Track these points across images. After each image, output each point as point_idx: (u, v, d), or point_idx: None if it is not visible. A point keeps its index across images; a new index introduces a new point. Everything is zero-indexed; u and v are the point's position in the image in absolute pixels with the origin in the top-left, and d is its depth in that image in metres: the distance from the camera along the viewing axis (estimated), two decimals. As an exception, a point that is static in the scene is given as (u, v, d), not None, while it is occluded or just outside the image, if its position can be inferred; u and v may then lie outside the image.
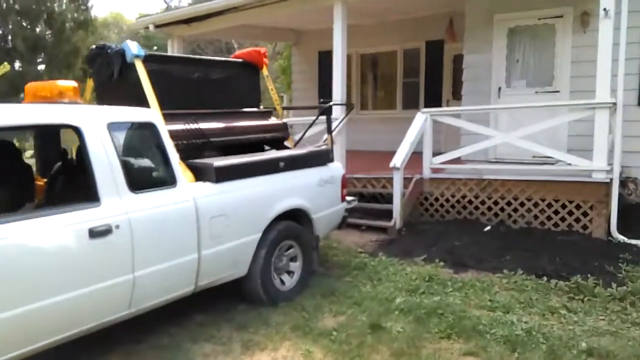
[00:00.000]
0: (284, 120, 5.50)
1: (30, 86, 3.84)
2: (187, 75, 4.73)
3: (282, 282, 4.68)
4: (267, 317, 4.21)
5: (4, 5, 29.03)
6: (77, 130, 3.22)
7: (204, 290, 4.05)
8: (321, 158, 5.13)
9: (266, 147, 5.54)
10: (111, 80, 4.27)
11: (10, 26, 28.78)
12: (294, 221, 4.72)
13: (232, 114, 5.00)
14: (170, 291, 3.69)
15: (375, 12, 9.89)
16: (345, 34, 8.06)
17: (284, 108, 5.64)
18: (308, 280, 4.93)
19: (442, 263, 5.60)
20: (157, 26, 9.71)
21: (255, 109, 5.35)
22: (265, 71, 5.42)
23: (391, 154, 6.99)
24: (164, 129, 3.75)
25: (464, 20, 8.55)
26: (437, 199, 7.34)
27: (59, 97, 3.70)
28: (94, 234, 3.12)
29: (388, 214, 6.99)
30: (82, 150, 3.25)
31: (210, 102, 4.91)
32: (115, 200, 3.30)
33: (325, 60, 11.93)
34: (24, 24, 29.43)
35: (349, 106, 6.66)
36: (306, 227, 4.90)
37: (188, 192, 3.75)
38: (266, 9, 8.48)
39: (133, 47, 4.15)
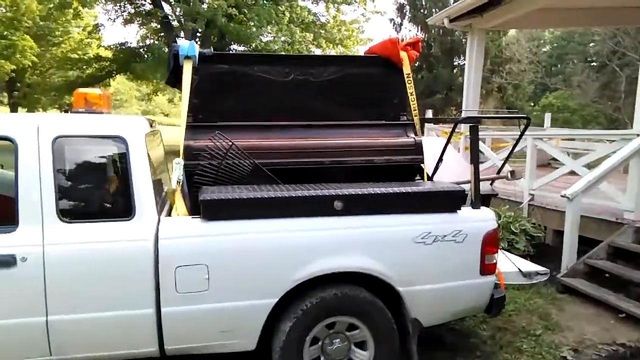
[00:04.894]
0: (418, 137, 3.77)
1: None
2: (276, 78, 3.73)
3: (334, 373, 3.25)
4: None
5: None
6: (13, 143, 2.87)
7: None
8: (439, 200, 3.28)
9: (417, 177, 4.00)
10: (174, 85, 3.76)
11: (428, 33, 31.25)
12: (367, 290, 3.20)
13: (328, 127, 3.72)
14: (116, 347, 2.96)
15: None
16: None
17: (422, 120, 3.89)
18: (386, 382, 3.29)
19: None
20: (451, 20, 8.45)
21: (380, 122, 3.86)
22: (406, 69, 3.82)
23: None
24: (138, 147, 3.00)
25: None
26: None
27: (85, 105, 3.41)
28: (-11, 263, 2.72)
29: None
30: (15, 166, 2.88)
31: (312, 112, 3.79)
32: (35, 229, 2.81)
33: None
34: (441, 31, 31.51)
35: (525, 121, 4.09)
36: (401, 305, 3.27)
37: (149, 228, 2.91)
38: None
39: (185, 46, 3.52)
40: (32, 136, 2.87)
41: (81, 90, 3.42)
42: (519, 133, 4.28)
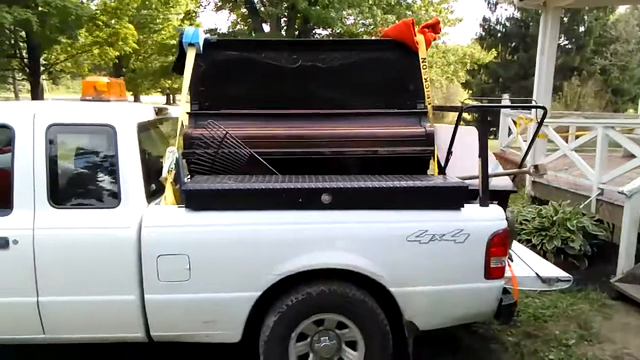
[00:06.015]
0: (430, 127, 3.48)
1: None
2: (284, 64, 3.62)
3: (322, 371, 3.13)
4: None
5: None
6: (9, 130, 3.00)
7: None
8: (438, 196, 3.02)
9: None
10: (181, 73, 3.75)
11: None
12: (361, 288, 3.05)
13: (331, 115, 3.57)
14: (105, 330, 3.05)
15: None
16: None
17: (434, 108, 3.58)
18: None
19: None
20: (521, -2, 7.80)
21: (392, 110, 3.63)
22: (422, 53, 3.54)
23: None
24: (128, 135, 3.03)
25: None
26: None
27: (94, 93, 3.49)
28: (-16, 245, 2.88)
29: None
30: (12, 153, 3.00)
31: (321, 100, 3.65)
32: (27, 213, 2.93)
33: None
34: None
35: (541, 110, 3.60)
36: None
37: (134, 217, 2.94)
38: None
39: (189, 33, 3.52)
40: (28, 124, 2.99)
41: (90, 78, 3.51)
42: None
